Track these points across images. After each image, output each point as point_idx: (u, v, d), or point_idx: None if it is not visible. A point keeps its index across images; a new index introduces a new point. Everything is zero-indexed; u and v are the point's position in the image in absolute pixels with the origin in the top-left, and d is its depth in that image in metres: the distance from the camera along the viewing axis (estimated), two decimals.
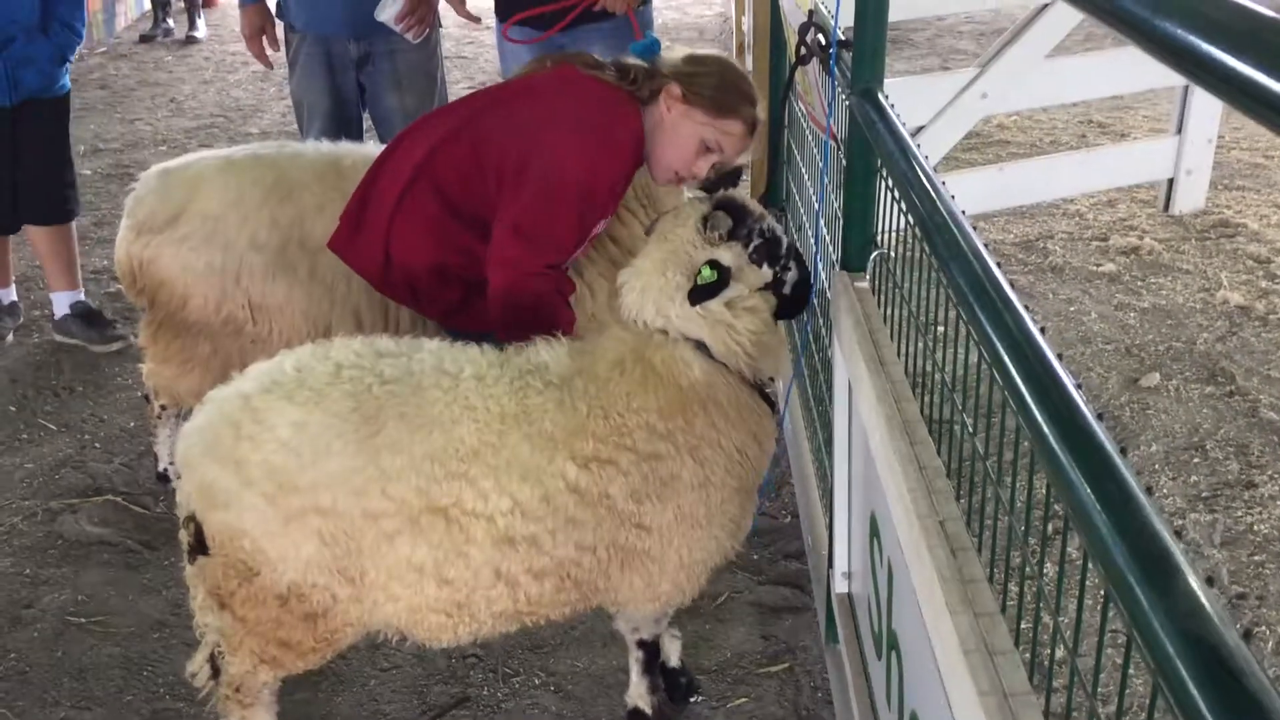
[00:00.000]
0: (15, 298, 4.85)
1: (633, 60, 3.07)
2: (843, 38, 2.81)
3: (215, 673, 2.61)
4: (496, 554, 2.29)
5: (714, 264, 2.40)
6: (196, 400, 3.45)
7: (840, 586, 2.81)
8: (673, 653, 2.90)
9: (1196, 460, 3.85)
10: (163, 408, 3.71)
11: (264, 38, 4.50)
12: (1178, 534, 3.47)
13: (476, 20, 4.72)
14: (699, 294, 2.39)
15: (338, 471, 2.22)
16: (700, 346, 2.44)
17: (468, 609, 2.35)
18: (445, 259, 3.05)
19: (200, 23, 10.23)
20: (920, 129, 5.13)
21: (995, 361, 1.43)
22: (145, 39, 10.07)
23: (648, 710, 2.82)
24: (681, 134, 2.94)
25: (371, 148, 3.63)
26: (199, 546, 2.34)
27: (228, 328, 3.39)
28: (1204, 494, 3.67)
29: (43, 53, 4.40)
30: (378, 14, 4.18)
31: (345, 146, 3.64)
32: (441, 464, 2.25)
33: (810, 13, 3.02)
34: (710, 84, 2.93)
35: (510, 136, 2.94)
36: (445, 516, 2.25)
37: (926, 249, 1.90)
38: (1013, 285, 4.55)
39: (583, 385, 2.38)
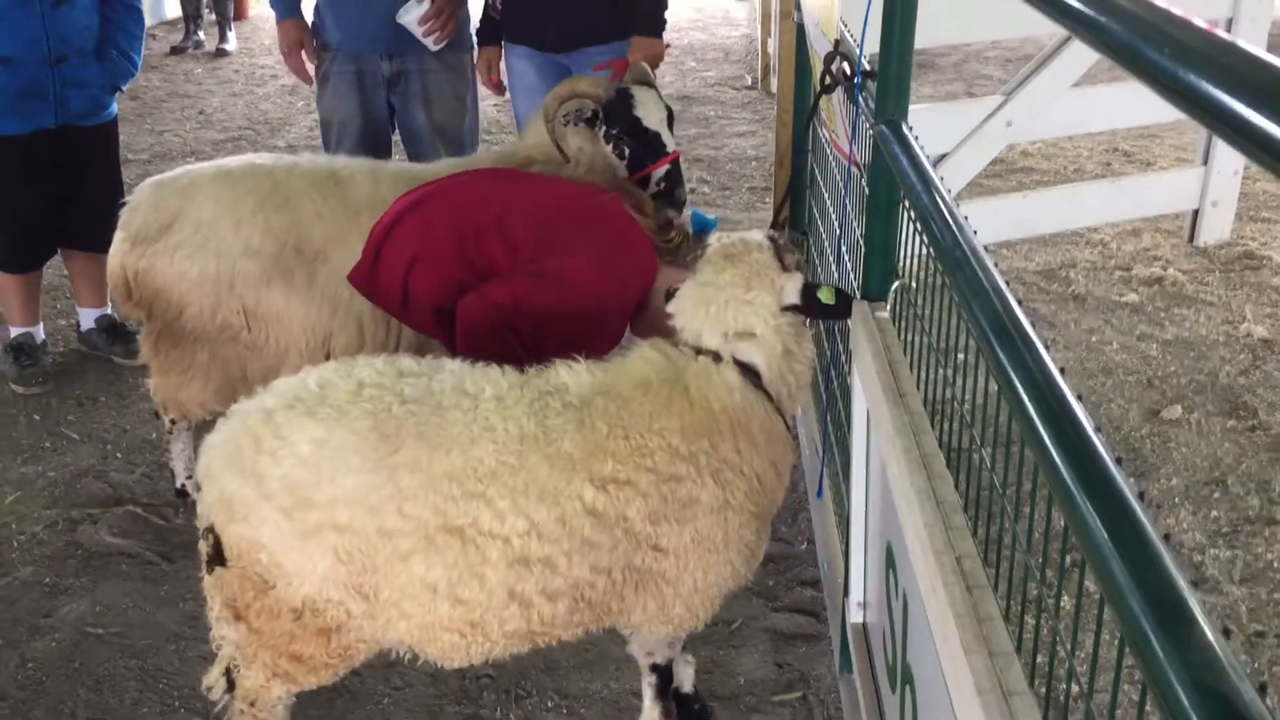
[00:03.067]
0: (44, 335, 4.81)
1: (678, 220, 3.20)
2: (868, 68, 2.82)
3: (231, 686, 2.62)
4: (511, 575, 2.29)
5: (837, 290, 2.50)
6: (201, 410, 3.60)
7: (855, 616, 2.80)
8: (686, 679, 2.90)
9: (1217, 495, 3.82)
10: (173, 422, 3.73)
11: (302, 52, 4.48)
12: (1197, 569, 3.45)
13: (501, 91, 4.61)
14: (820, 311, 2.50)
15: (355, 488, 2.23)
16: (745, 371, 2.46)
17: (480, 628, 2.36)
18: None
19: (230, 36, 10.33)
20: (944, 156, 5.13)
21: (1014, 401, 1.43)
22: (176, 51, 10.17)
23: None
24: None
25: (367, 161, 3.68)
26: (217, 558, 2.35)
27: (224, 335, 3.42)
28: (1224, 529, 3.65)
29: (94, 78, 4.42)
30: (400, 16, 4.21)
31: (343, 159, 3.68)
32: (459, 483, 2.25)
33: (836, 42, 3.03)
34: None
35: (540, 248, 3.09)
36: (461, 536, 2.26)
37: (948, 282, 1.90)
38: (1034, 314, 4.53)
39: (604, 405, 2.39)
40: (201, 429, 4.07)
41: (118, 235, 3.44)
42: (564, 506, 2.30)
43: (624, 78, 3.74)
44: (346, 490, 2.23)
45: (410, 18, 4.22)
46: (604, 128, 3.48)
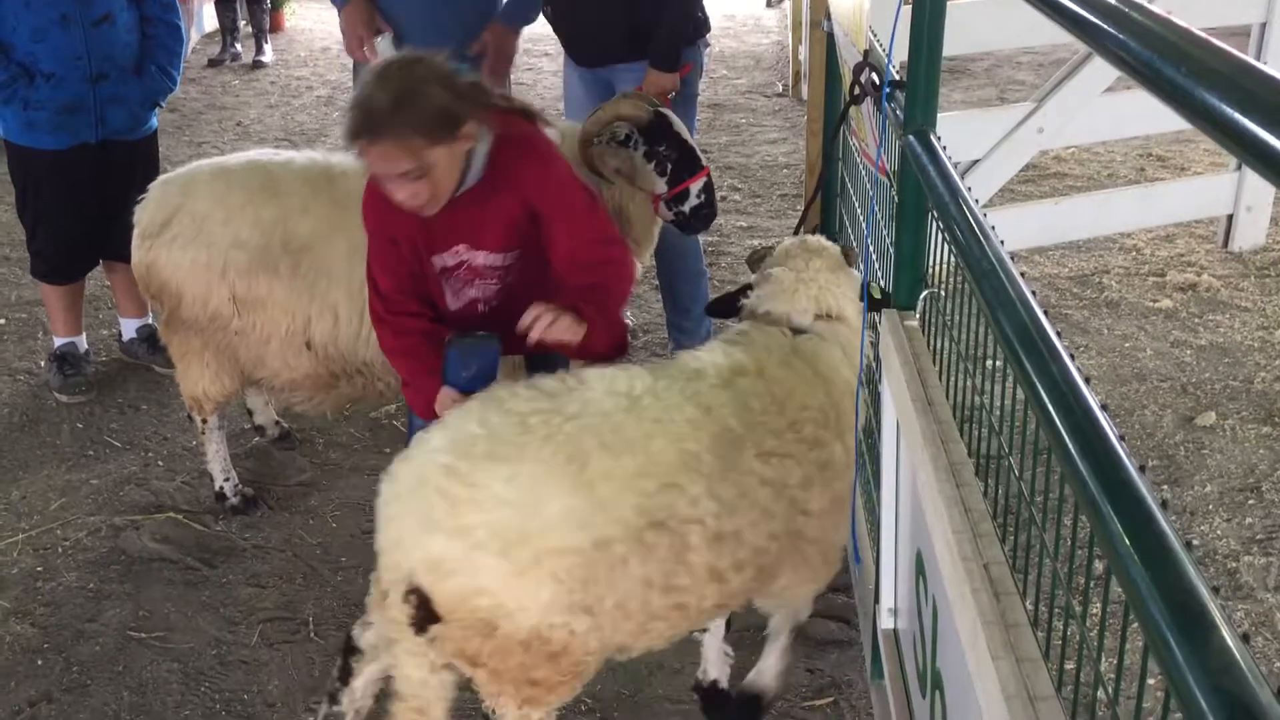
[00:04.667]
0: (86, 345, 4.90)
1: None
2: (896, 77, 2.84)
3: None
4: (711, 554, 2.39)
5: (880, 288, 2.74)
6: (208, 401, 3.73)
7: (886, 622, 2.82)
8: (724, 675, 2.97)
9: (1251, 502, 3.81)
10: (204, 421, 3.84)
11: (369, 33, 4.33)
12: (1231, 576, 3.44)
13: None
14: (872, 304, 2.71)
15: (560, 513, 2.24)
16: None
17: (685, 611, 2.45)
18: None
19: (267, 48, 10.46)
20: (976, 162, 5.13)
21: (1040, 411, 1.45)
22: (213, 63, 10.31)
23: (773, 692, 2.97)
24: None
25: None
26: (429, 617, 2.31)
27: (215, 323, 3.58)
28: (1259, 536, 3.63)
29: (134, 94, 4.50)
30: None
31: (339, 155, 3.75)
32: (651, 479, 2.32)
33: (865, 53, 3.05)
34: None
35: None
36: (665, 529, 2.32)
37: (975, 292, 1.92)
38: (1067, 320, 4.53)
39: (748, 384, 2.53)
40: (235, 438, 4.17)
41: (134, 233, 3.64)
42: (743, 481, 2.42)
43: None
44: (553, 517, 2.24)
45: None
46: (644, 146, 3.62)
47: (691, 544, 2.35)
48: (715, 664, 3.00)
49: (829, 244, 2.91)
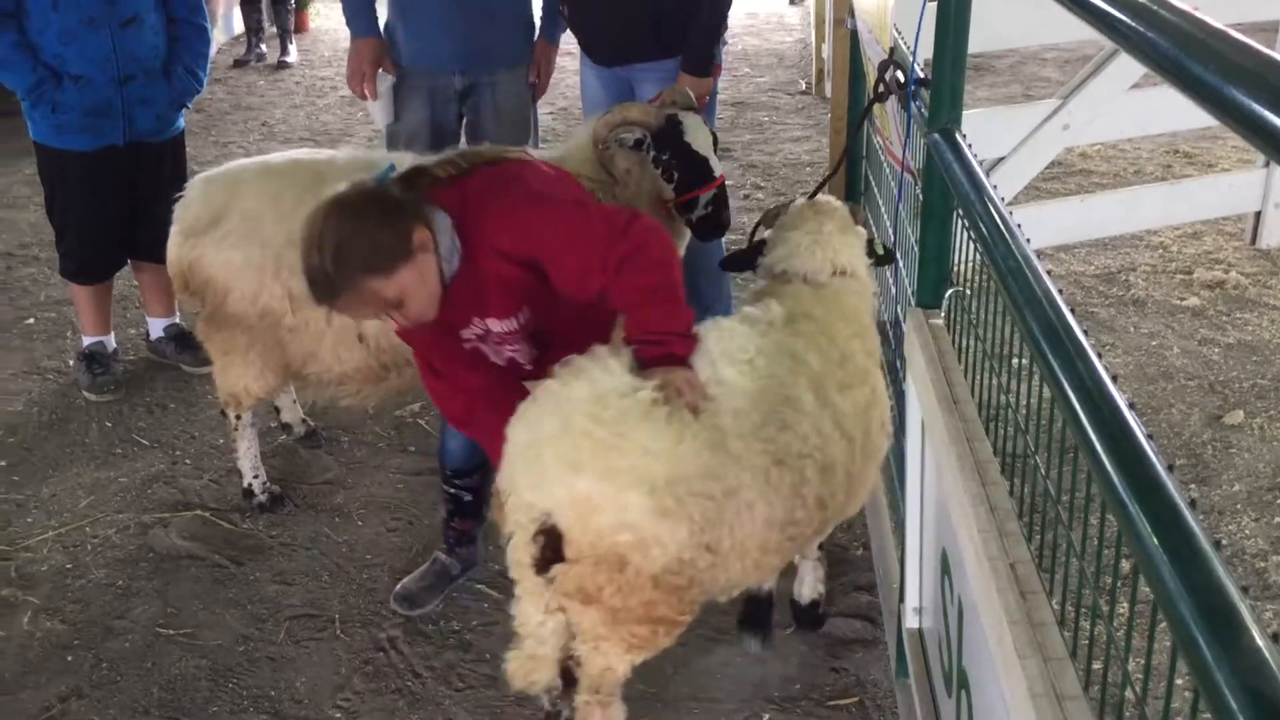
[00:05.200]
0: (115, 344, 4.94)
1: None
2: (921, 75, 2.84)
3: (567, 684, 2.76)
4: (819, 484, 2.63)
5: (883, 244, 3.07)
6: (249, 396, 3.77)
7: (911, 621, 2.82)
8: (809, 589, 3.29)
9: None
10: (238, 418, 3.86)
11: (373, 71, 4.39)
12: (1259, 575, 3.42)
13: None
14: (878, 259, 3.02)
15: (696, 458, 2.40)
16: None
17: (795, 542, 2.70)
18: None
19: (292, 48, 10.52)
20: (1001, 160, 5.11)
21: (1067, 410, 1.45)
22: (239, 64, 10.37)
23: (820, 595, 3.30)
24: None
25: (405, 154, 3.74)
26: (554, 556, 2.44)
27: (265, 320, 3.59)
28: None
29: (161, 95, 4.53)
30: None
31: (380, 152, 3.81)
32: (769, 423, 2.53)
33: (891, 50, 3.04)
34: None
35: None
36: (786, 467, 2.54)
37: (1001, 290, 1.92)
38: (1093, 318, 4.54)
39: (810, 328, 2.77)
40: (262, 437, 4.20)
41: (173, 229, 3.67)
42: (834, 413, 2.68)
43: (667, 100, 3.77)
44: (691, 463, 2.39)
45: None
46: (653, 152, 3.57)
47: (807, 478, 2.58)
48: (810, 584, 3.30)
49: (838, 205, 3.07)
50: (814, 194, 3.54)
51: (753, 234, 3.26)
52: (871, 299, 3.03)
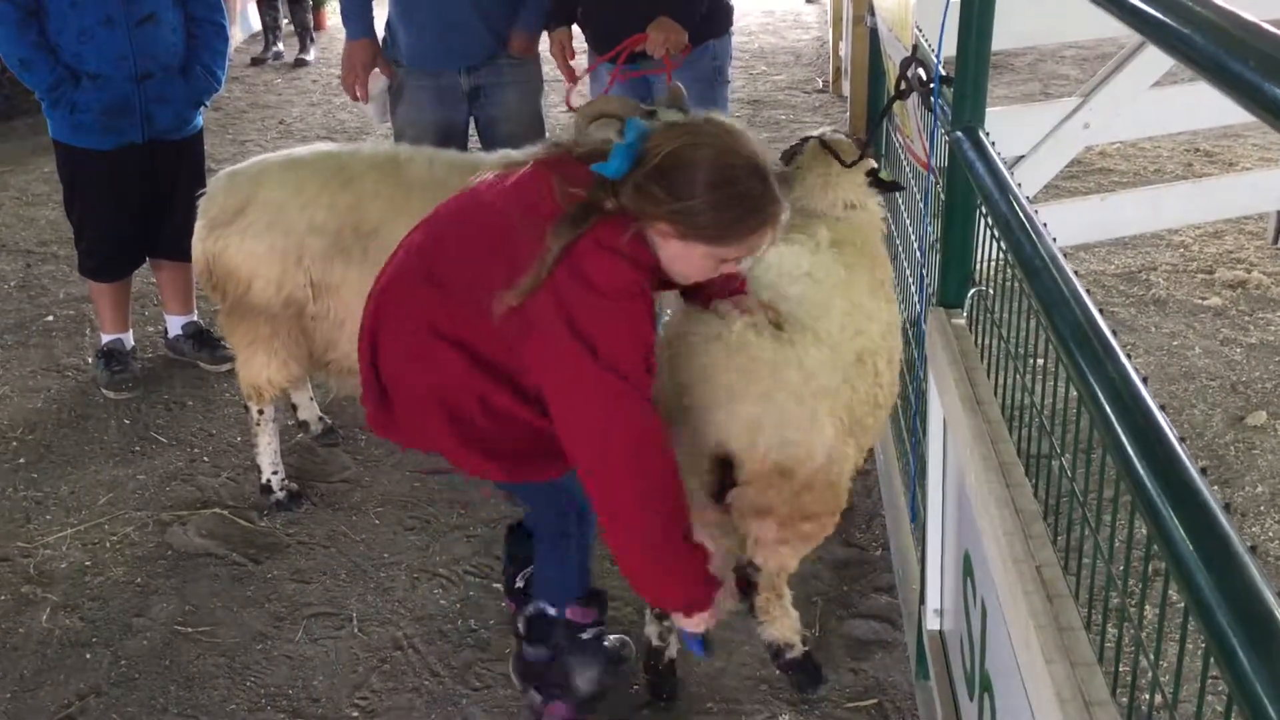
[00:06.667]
0: (133, 342, 4.95)
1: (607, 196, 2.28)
2: (944, 73, 2.81)
3: (744, 590, 3.03)
4: (888, 372, 2.97)
5: (888, 174, 3.29)
6: (271, 387, 3.78)
7: (932, 623, 2.80)
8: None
9: None
10: (260, 412, 3.87)
11: (366, 74, 4.43)
12: None
13: (573, 76, 4.48)
14: (883, 186, 3.24)
15: (828, 371, 2.69)
16: None
17: (878, 421, 3.01)
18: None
19: (311, 47, 10.54)
20: (1020, 159, 5.07)
21: (1096, 412, 1.43)
22: (256, 62, 10.40)
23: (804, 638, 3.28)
24: (692, 259, 2.31)
25: (427, 149, 3.81)
26: (730, 483, 2.68)
27: (289, 309, 3.62)
28: None
29: (179, 94, 4.53)
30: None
31: (405, 145, 3.88)
32: (849, 330, 2.83)
33: (914, 47, 3.02)
34: (706, 219, 2.22)
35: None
36: (864, 362, 2.85)
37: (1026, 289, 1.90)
38: (1114, 318, 4.50)
39: (851, 251, 3.05)
40: (282, 434, 4.20)
41: (198, 223, 3.69)
42: (886, 318, 3.02)
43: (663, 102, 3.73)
44: (825, 375, 2.67)
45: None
46: None
47: (880, 369, 2.91)
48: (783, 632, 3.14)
49: (846, 143, 3.25)
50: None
51: None
52: (880, 225, 3.27)
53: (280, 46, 10.62)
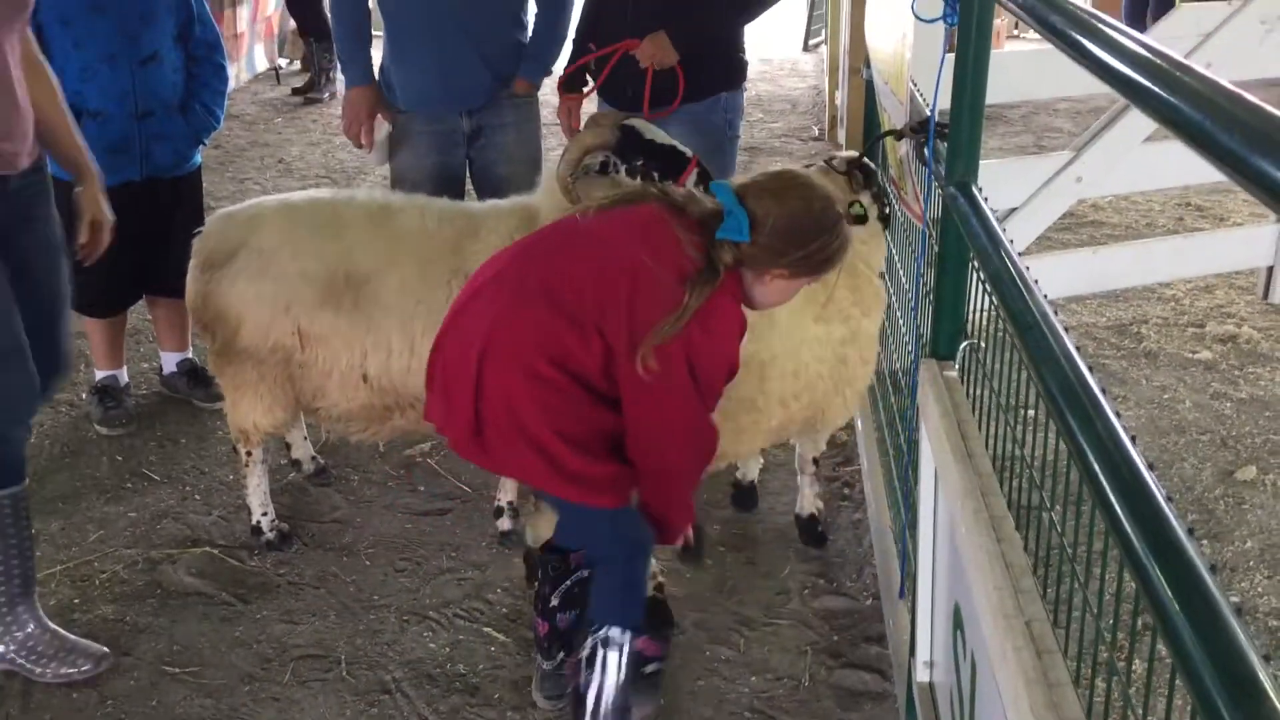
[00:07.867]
0: (127, 378, 4.95)
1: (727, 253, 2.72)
2: (940, 122, 2.85)
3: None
4: (786, 385, 3.52)
5: (861, 205, 3.46)
6: (258, 434, 3.80)
7: (922, 675, 2.79)
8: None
9: None
10: (248, 454, 3.87)
11: (370, 121, 4.44)
12: (1272, 634, 3.39)
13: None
14: (860, 220, 3.44)
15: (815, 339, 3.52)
16: None
17: (867, 367, 3.75)
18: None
19: (331, 87, 10.53)
20: (1013, 211, 5.12)
21: (1085, 469, 1.44)
22: (304, 97, 10.44)
23: (818, 510, 4.02)
24: (789, 290, 2.84)
25: (420, 197, 3.83)
26: None
27: (275, 355, 3.62)
28: None
29: (178, 131, 4.57)
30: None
31: (399, 194, 3.90)
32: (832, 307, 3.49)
33: (926, 123, 3.06)
34: (816, 260, 2.74)
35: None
36: (752, 367, 3.27)
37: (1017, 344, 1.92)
38: (1105, 370, 4.54)
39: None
40: (271, 474, 4.20)
41: (192, 263, 3.74)
42: (803, 335, 3.50)
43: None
44: (809, 342, 3.51)
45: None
46: (623, 166, 3.48)
47: (767, 375, 3.43)
48: (809, 498, 4.02)
49: (850, 156, 3.60)
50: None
51: None
52: (861, 248, 3.43)
53: (333, 79, 10.57)
